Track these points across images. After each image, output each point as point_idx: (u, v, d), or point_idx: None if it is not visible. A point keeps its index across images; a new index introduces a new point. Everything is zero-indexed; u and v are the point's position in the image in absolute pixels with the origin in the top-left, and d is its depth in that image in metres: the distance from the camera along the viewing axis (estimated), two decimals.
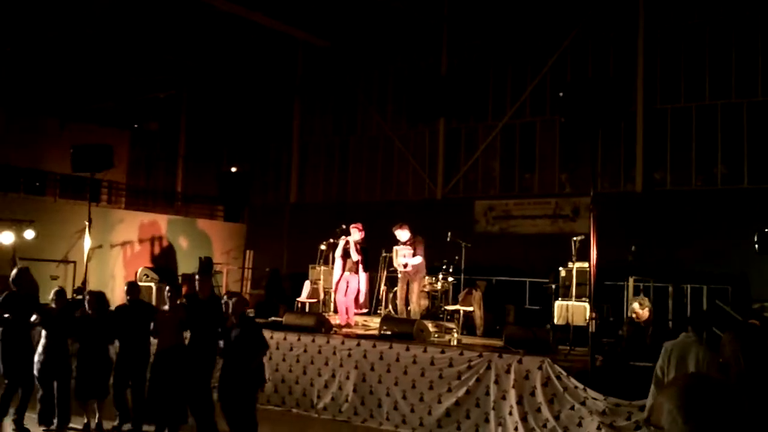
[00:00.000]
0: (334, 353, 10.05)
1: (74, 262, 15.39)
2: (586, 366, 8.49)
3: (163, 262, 17.55)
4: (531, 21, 16.90)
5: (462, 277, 12.24)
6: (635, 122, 15.24)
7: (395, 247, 12.00)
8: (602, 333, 9.00)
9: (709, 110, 14.78)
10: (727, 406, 1.84)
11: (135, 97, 23.12)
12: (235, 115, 21.95)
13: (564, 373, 8.27)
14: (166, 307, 8.65)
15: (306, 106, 20.79)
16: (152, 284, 14.89)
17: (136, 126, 24.03)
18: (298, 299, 13.82)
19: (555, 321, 11.43)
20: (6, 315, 8.24)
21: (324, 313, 12.42)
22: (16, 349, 8.31)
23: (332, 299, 12.73)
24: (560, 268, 12.12)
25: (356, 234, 11.85)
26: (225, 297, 8.21)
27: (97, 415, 8.50)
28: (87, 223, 12.27)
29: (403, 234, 11.86)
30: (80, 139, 14.97)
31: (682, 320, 7.37)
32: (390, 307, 12.81)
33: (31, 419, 8.46)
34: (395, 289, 12.50)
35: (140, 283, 15.05)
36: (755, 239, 10.82)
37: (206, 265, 16.70)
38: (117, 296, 15.32)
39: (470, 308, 12.13)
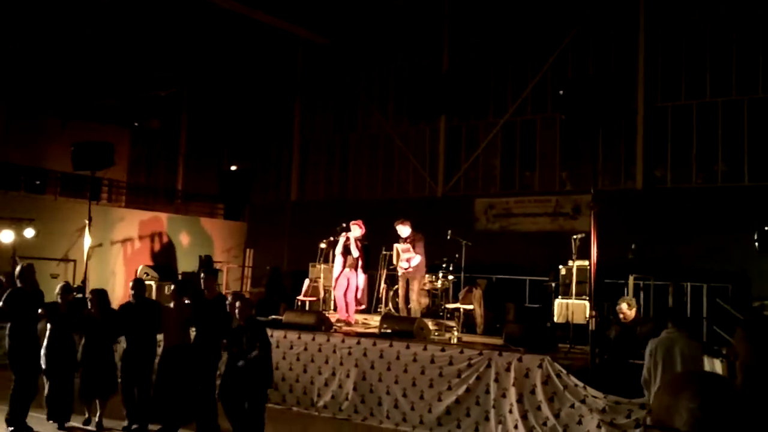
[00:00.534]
0: (335, 351, 10.05)
1: (74, 261, 15.42)
2: (586, 364, 8.50)
3: (164, 260, 17.57)
4: (532, 18, 16.88)
5: (462, 275, 12.24)
6: (636, 120, 15.22)
7: (395, 245, 11.98)
8: (602, 331, 8.98)
9: (710, 107, 14.76)
10: (743, 408, 1.84)
11: (136, 95, 23.13)
12: (235, 113, 21.94)
13: (564, 371, 8.28)
14: (171, 305, 8.63)
15: (307, 103, 20.78)
16: (152, 282, 14.89)
17: (136, 124, 24.04)
18: (298, 297, 13.82)
19: (555, 319, 11.44)
20: (10, 311, 8.27)
21: (324, 311, 12.42)
22: (24, 344, 8.36)
23: (332, 297, 12.72)
24: (560, 266, 12.12)
25: (357, 231, 11.85)
26: (230, 297, 8.20)
27: (98, 413, 8.50)
28: (87, 222, 12.27)
29: (404, 230, 11.85)
30: (81, 137, 14.98)
31: (663, 316, 7.35)
32: (390, 305, 12.81)
33: (29, 416, 8.47)
34: (395, 287, 12.50)
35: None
36: (755, 237, 10.80)
37: (208, 264, 16.73)
38: (117, 294, 15.36)
39: (470, 306, 12.14)
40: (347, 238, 11.80)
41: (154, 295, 13.92)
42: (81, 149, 12.39)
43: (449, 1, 18.08)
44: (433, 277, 12.45)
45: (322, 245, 13.37)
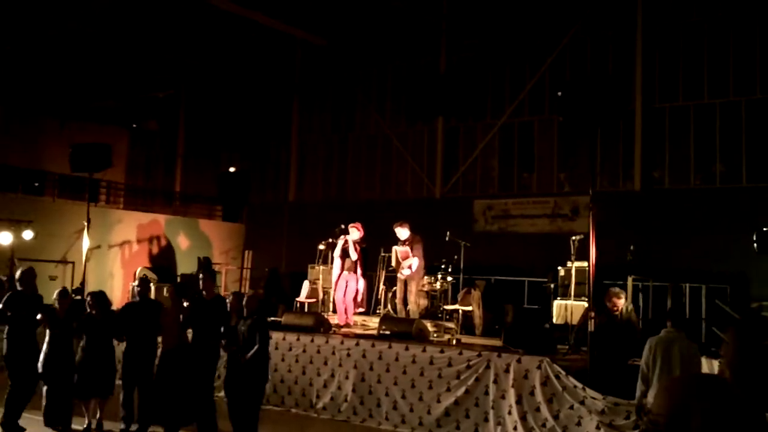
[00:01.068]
0: (333, 353, 10.06)
1: (73, 263, 15.40)
2: (585, 365, 8.50)
3: (162, 262, 17.56)
4: (530, 20, 16.89)
5: (461, 276, 12.24)
6: (634, 121, 15.23)
7: (394, 248, 11.99)
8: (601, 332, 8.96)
9: (708, 109, 14.77)
10: (749, 409, 1.87)
11: (134, 96, 23.11)
12: (233, 114, 21.94)
13: (563, 373, 8.28)
14: (169, 307, 8.61)
15: (305, 104, 20.79)
16: (151, 284, 14.86)
17: (134, 125, 24.01)
18: (297, 299, 13.81)
19: (554, 320, 11.44)
20: (9, 314, 8.27)
21: (323, 313, 12.42)
22: (22, 348, 8.36)
23: (331, 299, 12.72)
24: (559, 268, 12.12)
25: (355, 233, 11.85)
26: (231, 296, 8.18)
27: (98, 415, 8.48)
28: (86, 223, 12.26)
29: (403, 232, 11.86)
30: (79, 139, 14.97)
31: (662, 316, 7.39)
32: (389, 306, 12.81)
33: (29, 419, 8.46)
34: (394, 288, 12.50)
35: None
36: (754, 238, 10.82)
37: (207, 265, 16.72)
38: (116, 296, 15.36)
39: (469, 308, 12.14)
40: (345, 241, 11.80)
41: (152, 297, 13.89)
42: (79, 151, 12.38)
43: (447, 1, 18.09)
44: (432, 278, 12.45)
45: (321, 247, 13.38)
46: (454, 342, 10.05)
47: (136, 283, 9.05)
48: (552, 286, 12.13)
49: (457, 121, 18.11)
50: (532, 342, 9.07)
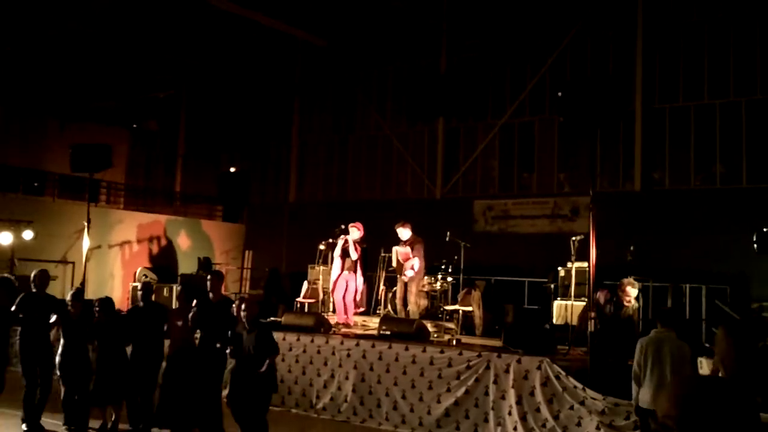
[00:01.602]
0: (333, 353, 10.05)
1: (73, 263, 15.39)
2: (585, 365, 8.50)
3: (162, 262, 17.56)
4: (530, 20, 16.90)
5: (461, 276, 12.23)
6: (634, 121, 15.24)
7: (395, 248, 11.98)
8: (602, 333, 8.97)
9: (708, 109, 14.77)
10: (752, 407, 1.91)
11: (134, 96, 23.12)
12: (234, 114, 21.95)
13: (563, 373, 8.28)
14: (177, 309, 8.56)
15: (305, 105, 20.79)
16: (153, 287, 14.86)
17: (135, 126, 24.01)
18: (297, 299, 13.81)
19: (554, 321, 11.44)
20: (21, 315, 8.32)
21: (323, 313, 12.41)
22: (35, 349, 8.40)
23: (331, 299, 12.71)
24: (559, 268, 12.12)
25: (355, 233, 11.85)
26: (237, 301, 8.14)
27: (113, 418, 8.50)
28: (86, 224, 12.26)
29: (404, 232, 11.86)
30: (79, 139, 14.97)
31: (654, 316, 7.47)
32: (389, 307, 12.81)
33: (50, 422, 8.54)
34: (394, 289, 12.50)
35: (138, 284, 15.08)
36: (754, 239, 10.83)
37: (207, 266, 16.72)
38: (116, 297, 15.32)
39: (469, 308, 12.13)
40: (345, 241, 11.80)
41: (152, 298, 13.87)
42: (79, 151, 12.39)
43: (447, 2, 18.09)
44: (432, 278, 12.45)
45: (321, 247, 13.37)
46: (454, 342, 10.04)
47: (139, 287, 9.00)
48: (552, 286, 12.13)
49: (457, 122, 18.11)
50: (532, 342, 9.06)
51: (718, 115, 14.66)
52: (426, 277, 12.28)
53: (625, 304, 9.07)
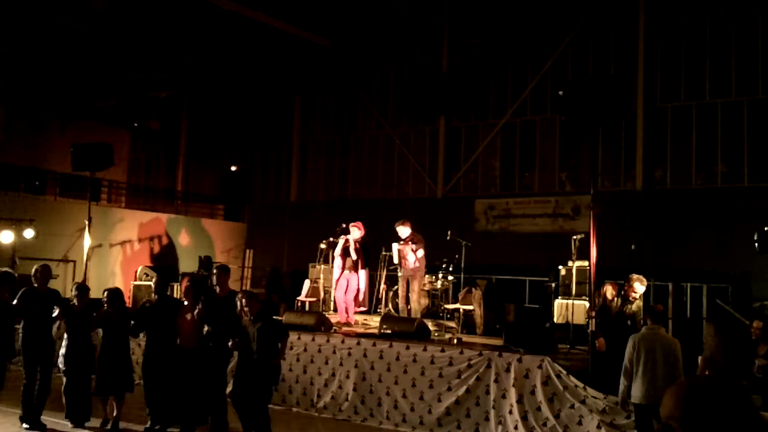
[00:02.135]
0: (334, 352, 10.05)
1: (74, 261, 15.42)
2: (586, 364, 8.50)
3: (163, 261, 17.57)
4: (532, 19, 16.89)
5: (462, 275, 12.23)
6: (635, 121, 15.22)
7: (394, 245, 11.96)
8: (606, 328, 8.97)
9: (710, 108, 14.76)
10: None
11: (136, 96, 23.14)
12: (235, 113, 21.96)
13: (564, 372, 8.28)
14: (186, 305, 8.53)
15: (306, 104, 20.79)
16: (152, 283, 14.87)
17: (136, 125, 24.05)
18: (298, 298, 13.82)
19: (555, 320, 11.43)
20: (22, 308, 8.36)
21: (324, 312, 12.41)
22: (37, 344, 8.44)
23: (332, 297, 12.72)
24: (560, 267, 12.11)
25: (356, 232, 11.85)
26: (239, 295, 8.12)
27: (115, 413, 8.51)
28: (87, 222, 12.28)
29: (404, 230, 11.85)
30: (80, 138, 15.00)
31: (648, 314, 7.55)
32: (390, 305, 12.81)
33: (49, 419, 8.55)
34: (395, 287, 12.50)
35: (139, 282, 15.11)
36: (755, 238, 10.82)
37: (208, 264, 16.71)
38: None
39: (470, 307, 12.13)
40: (346, 240, 11.80)
41: (153, 296, 13.89)
42: (80, 150, 12.41)
43: (449, 2, 18.09)
44: (433, 277, 12.45)
45: (322, 246, 13.38)
46: (455, 341, 10.04)
47: (154, 281, 8.99)
48: (553, 285, 12.13)
49: (458, 121, 18.11)
50: (533, 341, 9.06)
51: (720, 114, 14.64)
52: (427, 276, 12.28)
53: (631, 299, 9.06)
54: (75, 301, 8.69)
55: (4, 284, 8.19)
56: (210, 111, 22.70)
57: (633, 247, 11.27)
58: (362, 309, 12.47)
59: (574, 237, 10.55)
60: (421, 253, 11.60)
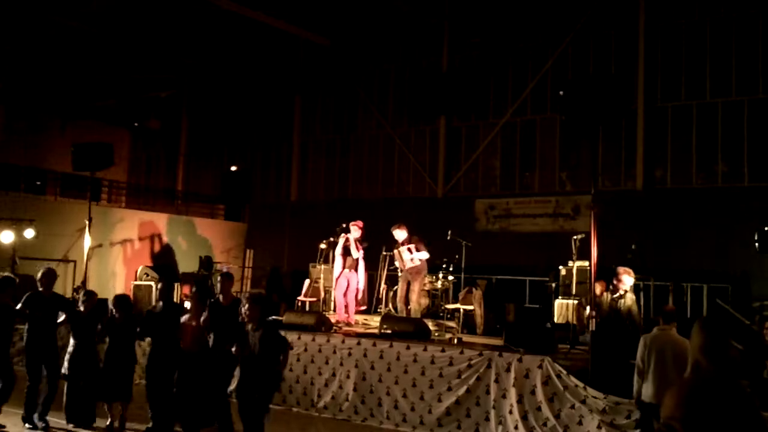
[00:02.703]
0: (335, 352, 10.05)
1: (74, 261, 15.41)
2: (586, 365, 8.49)
3: (164, 261, 17.56)
4: (532, 19, 16.89)
5: (462, 275, 12.23)
6: (636, 120, 15.21)
7: (395, 249, 11.95)
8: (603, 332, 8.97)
9: (710, 108, 14.75)
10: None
11: (136, 95, 23.15)
12: (236, 113, 21.97)
13: (564, 372, 8.27)
14: (190, 310, 8.51)
15: (307, 104, 20.79)
16: (152, 283, 14.87)
17: (136, 125, 24.06)
18: (298, 298, 13.82)
19: (555, 320, 11.43)
20: (27, 312, 8.38)
21: (324, 312, 12.41)
22: (41, 347, 8.47)
23: (332, 297, 12.72)
24: (560, 267, 12.12)
25: (356, 232, 11.86)
26: (244, 300, 8.11)
27: (120, 415, 8.53)
28: (87, 222, 12.27)
29: (400, 234, 11.85)
30: (81, 138, 15.00)
31: (656, 314, 7.60)
32: (390, 305, 12.81)
33: (52, 420, 8.57)
34: (395, 287, 12.50)
35: (140, 282, 15.10)
36: (756, 238, 10.82)
37: (208, 265, 16.72)
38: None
39: (470, 307, 12.13)
40: (347, 239, 11.80)
41: (153, 296, 13.90)
42: (81, 150, 12.40)
43: (449, 1, 18.09)
44: (433, 277, 12.45)
45: (322, 246, 13.37)
46: (456, 341, 10.04)
47: (159, 287, 9.00)
48: (553, 285, 12.13)
49: (459, 121, 18.10)
50: (533, 341, 9.06)
51: (720, 113, 14.64)
52: (427, 276, 12.28)
53: (622, 291, 9.07)
54: (81, 307, 8.72)
55: (5, 289, 8.18)
56: (210, 111, 22.70)
57: (633, 246, 11.26)
58: (362, 308, 12.46)
59: (575, 237, 10.55)
60: (425, 254, 11.59)
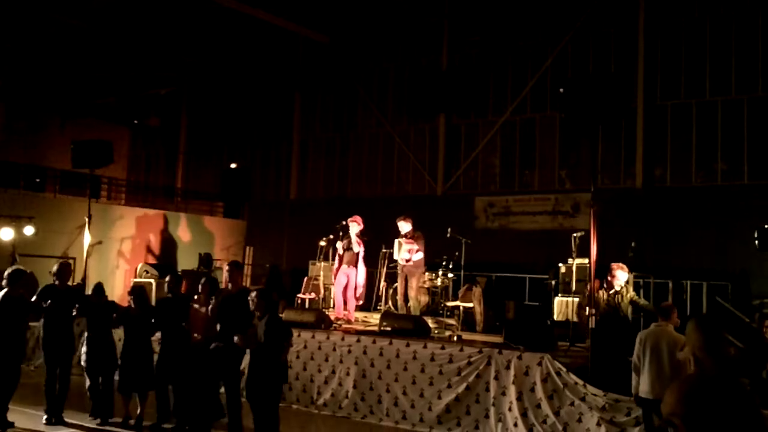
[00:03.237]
0: (334, 349, 10.06)
1: (74, 258, 15.37)
2: (586, 362, 8.51)
3: (163, 258, 17.57)
4: (532, 17, 16.89)
5: (462, 273, 12.24)
6: (635, 118, 15.21)
7: (397, 239, 11.96)
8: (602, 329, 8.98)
9: (710, 106, 14.76)
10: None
11: (135, 93, 23.13)
12: (235, 111, 21.95)
13: (564, 369, 8.28)
14: (199, 304, 8.53)
15: (306, 102, 20.78)
16: (152, 280, 14.88)
17: (136, 122, 24.04)
18: (297, 295, 13.82)
19: (555, 317, 11.43)
20: (43, 305, 8.48)
21: (324, 309, 12.41)
22: (57, 340, 8.58)
23: (332, 294, 12.72)
24: (560, 265, 12.12)
25: (355, 227, 11.85)
26: (252, 293, 8.10)
27: (138, 410, 8.56)
28: (87, 219, 12.27)
29: (405, 226, 11.88)
30: (80, 135, 14.99)
31: (658, 311, 7.64)
32: (390, 303, 12.82)
33: (72, 414, 8.67)
34: (395, 285, 12.50)
35: (140, 279, 15.11)
36: (755, 236, 10.82)
37: (208, 262, 16.71)
38: (117, 292, 15.38)
39: (470, 304, 12.14)
40: (348, 241, 11.77)
41: (153, 293, 13.90)
42: (80, 147, 12.39)
43: None
44: (433, 275, 12.46)
45: (322, 243, 13.37)
46: (455, 338, 10.05)
47: (168, 279, 9.02)
48: (553, 282, 12.13)
49: (458, 119, 18.10)
50: (533, 338, 9.07)
51: (720, 112, 14.64)
52: (427, 273, 12.29)
53: (617, 287, 9.15)
54: (94, 299, 8.85)
55: (17, 281, 8.22)
56: (210, 108, 22.69)
57: (633, 244, 11.28)
58: (359, 302, 12.43)
59: (574, 234, 10.55)
60: (419, 255, 11.60)
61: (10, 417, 8.21)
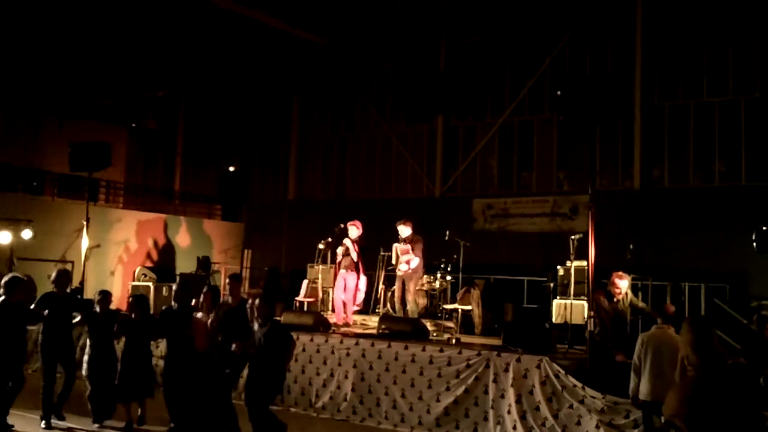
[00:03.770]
0: (333, 352, 10.06)
1: (72, 262, 15.36)
2: (584, 364, 8.50)
3: (161, 261, 17.54)
4: (529, 18, 16.89)
5: (460, 275, 12.23)
6: (633, 120, 15.24)
7: (395, 245, 11.97)
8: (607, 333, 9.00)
9: (707, 107, 14.77)
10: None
11: (133, 95, 23.09)
12: (233, 113, 21.93)
13: (562, 372, 8.28)
14: (200, 314, 8.48)
15: (304, 103, 20.77)
16: (150, 283, 14.85)
17: (134, 124, 23.99)
18: (296, 298, 13.80)
19: (553, 319, 11.42)
20: (41, 313, 8.49)
21: (322, 312, 12.41)
22: (57, 347, 8.60)
23: (331, 297, 12.71)
24: (558, 267, 12.10)
25: (354, 231, 11.84)
26: (250, 300, 8.11)
27: (138, 415, 8.59)
28: (85, 223, 12.26)
29: (405, 230, 11.88)
30: (78, 138, 14.93)
31: (658, 314, 7.68)
32: (388, 305, 12.81)
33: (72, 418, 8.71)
34: (393, 288, 12.49)
35: (138, 283, 15.09)
36: (753, 237, 10.83)
37: (206, 265, 16.69)
38: (115, 296, 15.27)
39: (469, 307, 12.13)
40: (346, 249, 11.76)
41: (152, 297, 13.86)
42: (78, 150, 12.37)
43: (447, 0, 18.08)
44: (431, 277, 12.45)
45: (320, 246, 13.36)
46: (454, 341, 10.04)
47: (175, 287, 9.05)
48: (551, 285, 12.11)
49: (456, 120, 18.10)
50: (531, 341, 9.06)
51: (717, 113, 14.66)
52: (425, 276, 12.28)
53: (616, 295, 9.17)
54: (97, 307, 8.80)
55: (15, 288, 8.20)
56: (207, 110, 22.66)
57: (631, 246, 11.27)
58: (356, 308, 12.43)
59: (573, 237, 10.54)
60: (415, 262, 11.60)
61: (9, 420, 8.21)
